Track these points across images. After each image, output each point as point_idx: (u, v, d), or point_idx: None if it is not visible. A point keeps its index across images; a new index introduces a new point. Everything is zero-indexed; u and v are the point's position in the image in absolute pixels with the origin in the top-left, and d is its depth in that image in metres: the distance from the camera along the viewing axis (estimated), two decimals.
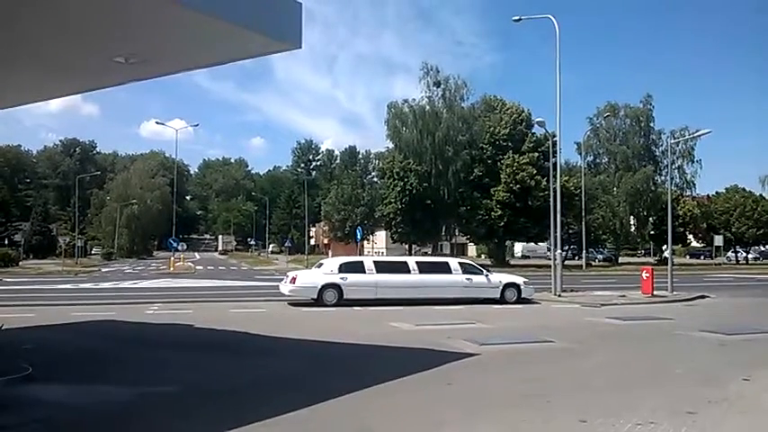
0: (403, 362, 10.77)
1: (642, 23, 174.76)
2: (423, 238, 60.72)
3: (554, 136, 32.64)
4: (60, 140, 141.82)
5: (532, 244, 70.38)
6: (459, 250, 73.46)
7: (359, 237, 46.15)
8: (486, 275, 21.99)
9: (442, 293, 20.81)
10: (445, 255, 57.09)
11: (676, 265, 34.82)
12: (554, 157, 33.42)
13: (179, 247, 55.60)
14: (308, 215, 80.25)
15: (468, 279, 21.34)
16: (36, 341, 12.61)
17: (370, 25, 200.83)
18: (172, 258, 53.46)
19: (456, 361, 10.65)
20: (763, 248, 79.52)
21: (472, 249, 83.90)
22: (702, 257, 77.37)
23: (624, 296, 23.58)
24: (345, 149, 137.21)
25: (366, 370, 10.17)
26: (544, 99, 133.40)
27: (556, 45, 27.05)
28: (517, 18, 31.11)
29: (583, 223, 55.49)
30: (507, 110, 60.31)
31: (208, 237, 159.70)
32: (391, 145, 60.73)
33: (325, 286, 20.03)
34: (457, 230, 64.04)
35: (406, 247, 63.33)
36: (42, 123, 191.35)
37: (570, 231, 58.31)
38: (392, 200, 57.14)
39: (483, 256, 70.01)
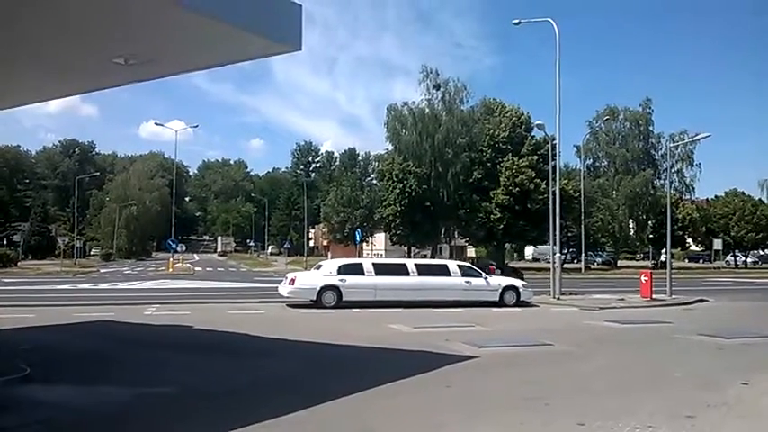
0: (402, 364, 10.76)
1: (641, 27, 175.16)
2: (422, 240, 60.67)
3: (553, 139, 32.64)
4: (59, 141, 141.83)
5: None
6: (459, 253, 73.38)
7: (358, 239, 46.11)
8: (485, 278, 21.99)
9: (440, 296, 20.80)
10: (445, 257, 57.12)
11: (675, 269, 34.86)
12: (553, 160, 33.41)
13: (178, 249, 55.63)
14: (308, 217, 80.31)
15: (467, 282, 21.34)
16: (34, 342, 12.60)
17: (369, 27, 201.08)
18: (171, 259, 53.43)
19: (455, 363, 10.65)
20: (762, 252, 79.60)
21: (471, 252, 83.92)
22: (701, 261, 77.42)
23: (623, 299, 23.61)
24: (345, 151, 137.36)
25: (365, 372, 10.16)
26: (544, 102, 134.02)
27: (555, 48, 27.15)
28: (517, 21, 31.15)
29: (582, 226, 55.54)
30: (507, 113, 60.33)
31: (207, 238, 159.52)
32: (391, 147, 60.72)
33: (324, 288, 20.02)
34: (456, 233, 63.99)
35: (406, 249, 63.31)
36: (41, 124, 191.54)
37: (569, 234, 58.38)
38: (391, 202, 57.13)
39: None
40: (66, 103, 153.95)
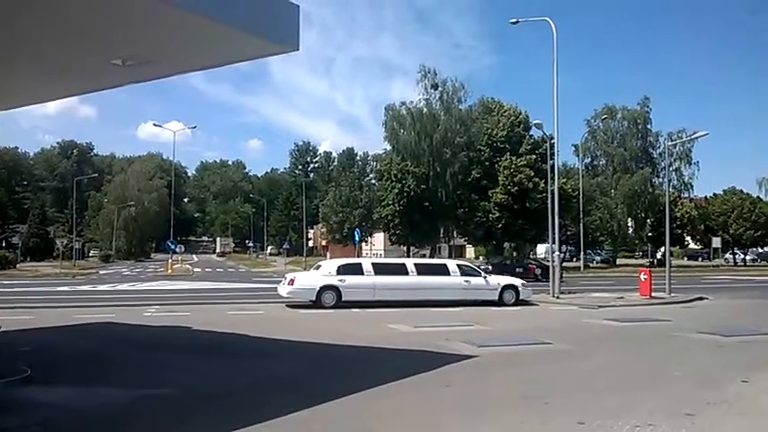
0: (402, 364, 10.76)
1: (639, 26, 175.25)
2: (421, 239, 60.74)
3: (552, 138, 32.66)
4: (57, 142, 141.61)
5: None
6: (458, 252, 73.43)
7: (357, 239, 46.11)
8: (485, 277, 22.00)
9: (440, 295, 20.81)
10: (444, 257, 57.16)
11: (674, 267, 34.88)
12: (552, 159, 33.46)
13: (177, 250, 55.58)
14: (306, 217, 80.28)
15: (466, 281, 21.35)
16: (34, 343, 12.59)
17: (367, 27, 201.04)
18: (170, 260, 53.42)
19: (455, 363, 10.66)
20: (760, 250, 79.60)
21: (470, 251, 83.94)
22: (700, 259, 77.44)
23: (622, 298, 23.62)
24: (343, 151, 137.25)
25: (365, 372, 10.16)
26: (542, 101, 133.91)
27: (553, 47, 27.15)
28: (514, 20, 31.13)
29: (581, 225, 55.56)
30: (505, 112, 60.38)
31: (205, 239, 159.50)
32: (389, 147, 60.80)
33: (324, 288, 20.02)
34: (455, 232, 64.07)
35: (405, 248, 63.34)
36: (39, 125, 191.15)
37: (568, 233, 58.40)
38: (390, 202, 57.16)
39: (481, 258, 70.04)
40: (63, 104, 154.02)
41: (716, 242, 62.90)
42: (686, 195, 67.67)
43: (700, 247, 77.67)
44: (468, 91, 59.42)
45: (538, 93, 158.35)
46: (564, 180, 52.19)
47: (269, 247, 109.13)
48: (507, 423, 7.14)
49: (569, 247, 63.18)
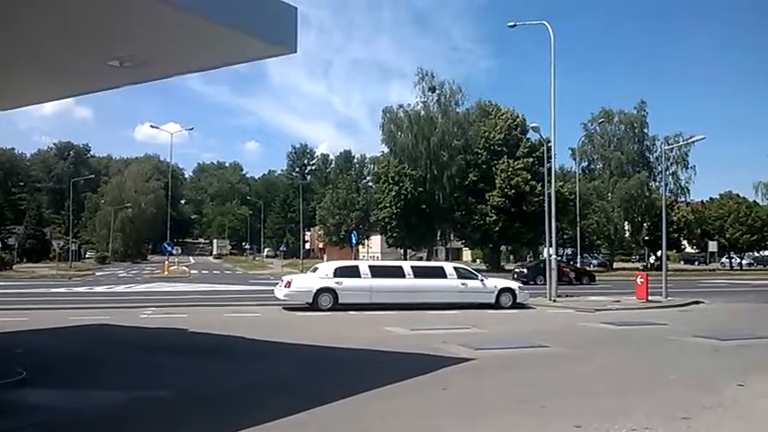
0: (398, 367, 10.74)
1: (636, 29, 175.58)
2: (418, 242, 60.76)
3: (548, 141, 32.71)
4: (54, 144, 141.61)
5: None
6: (455, 255, 73.46)
7: (354, 241, 46.24)
8: (482, 280, 21.99)
9: (437, 298, 20.81)
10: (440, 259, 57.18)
11: (670, 271, 34.91)
12: (549, 162, 33.46)
13: (173, 251, 55.47)
14: (303, 219, 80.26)
15: (463, 284, 21.34)
16: (30, 345, 12.56)
17: (365, 30, 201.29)
18: (166, 262, 53.31)
19: (451, 366, 10.64)
20: (757, 254, 79.81)
21: (467, 254, 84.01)
22: (697, 263, 77.63)
23: (618, 301, 23.65)
24: (340, 154, 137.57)
25: (362, 374, 10.14)
26: (539, 105, 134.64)
27: (551, 51, 27.16)
28: (512, 24, 31.17)
29: (577, 228, 55.65)
30: (502, 115, 60.48)
31: (202, 241, 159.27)
32: (386, 149, 60.83)
33: (321, 291, 20.01)
34: (452, 235, 64.11)
35: (401, 251, 63.35)
36: (36, 126, 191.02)
37: (565, 237, 58.49)
38: (387, 204, 57.18)
39: (478, 261, 70.08)
40: (60, 105, 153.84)
41: (712, 246, 63.05)
42: (683, 199, 67.90)
43: (696, 251, 77.87)
44: (466, 94, 59.63)
45: (535, 96, 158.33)
46: (561, 183, 52.30)
47: (266, 250, 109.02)
48: (504, 426, 7.13)
49: (566, 251, 63.26)
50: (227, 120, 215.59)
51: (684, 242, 72.49)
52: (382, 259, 62.24)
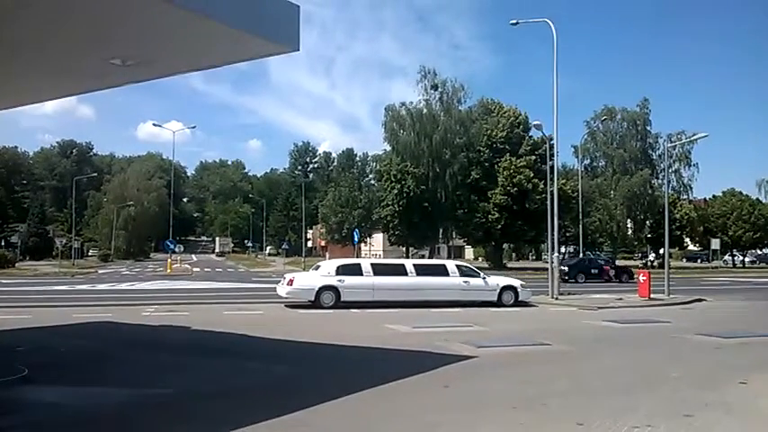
0: (400, 364, 10.76)
1: (639, 27, 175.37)
2: (420, 240, 60.74)
3: (551, 139, 32.64)
4: (57, 142, 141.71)
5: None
6: (457, 253, 73.44)
7: (356, 239, 46.11)
8: (484, 278, 21.97)
9: (439, 296, 20.79)
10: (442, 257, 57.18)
11: (673, 269, 34.88)
12: (551, 160, 33.41)
13: (176, 249, 55.52)
14: (306, 217, 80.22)
15: (465, 282, 21.32)
16: (32, 343, 12.60)
17: (367, 28, 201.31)
18: (169, 260, 53.34)
19: (453, 364, 10.64)
20: (759, 252, 79.72)
21: (469, 252, 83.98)
22: (699, 261, 77.57)
23: (621, 299, 23.62)
24: (343, 152, 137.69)
25: (363, 372, 10.16)
26: (541, 102, 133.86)
27: (553, 49, 27.12)
28: (514, 22, 31.11)
29: (580, 226, 55.52)
30: (504, 113, 60.39)
31: (205, 239, 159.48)
32: (389, 148, 60.82)
33: (323, 288, 20.01)
34: (454, 233, 64.08)
35: (404, 249, 63.34)
36: (38, 125, 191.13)
37: (567, 234, 58.43)
38: (389, 202, 57.16)
39: (480, 259, 70.07)
40: (63, 103, 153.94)
41: (715, 244, 63.01)
42: (685, 197, 67.83)
43: (699, 248, 77.84)
44: (468, 92, 59.58)
45: (537, 94, 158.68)
46: (563, 181, 52.23)
47: (268, 248, 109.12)
48: (506, 424, 7.13)
49: (569, 249, 63.24)
50: (230, 118, 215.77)
51: (687, 240, 72.47)
52: (384, 257, 62.24)
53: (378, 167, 66.57)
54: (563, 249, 54.24)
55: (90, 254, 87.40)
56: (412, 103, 58.60)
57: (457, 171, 55.83)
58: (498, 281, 22.59)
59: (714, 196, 76.82)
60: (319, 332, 14.56)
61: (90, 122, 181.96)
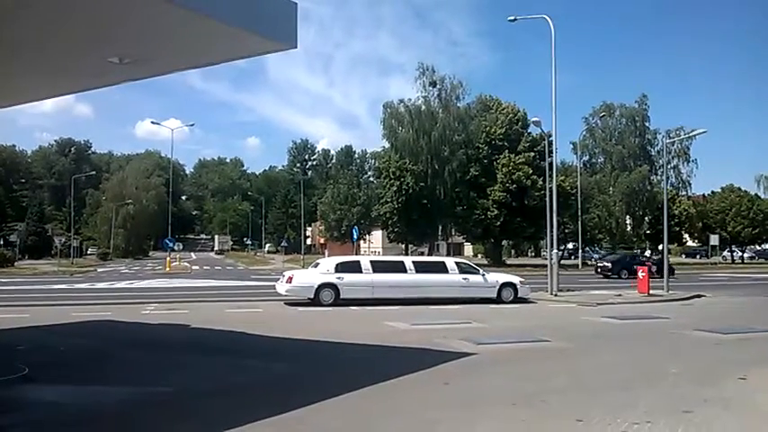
0: (399, 361, 10.77)
1: (637, 23, 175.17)
2: (419, 237, 60.71)
3: (550, 136, 32.64)
4: (55, 140, 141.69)
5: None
6: (456, 250, 73.46)
7: (355, 236, 46.14)
8: (483, 275, 21.97)
9: (438, 293, 20.80)
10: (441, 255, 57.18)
11: (672, 265, 34.87)
12: (550, 156, 33.42)
13: (175, 247, 55.49)
14: (305, 215, 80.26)
15: (464, 279, 21.33)
16: (32, 342, 12.60)
17: (365, 25, 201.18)
18: (168, 258, 53.32)
19: (453, 360, 10.65)
20: (758, 248, 79.76)
21: (469, 249, 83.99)
22: (698, 257, 77.62)
23: (620, 295, 23.64)
24: (341, 149, 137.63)
25: (363, 370, 10.16)
26: (540, 99, 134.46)
27: (551, 45, 27.12)
28: (512, 18, 31.10)
29: (579, 223, 55.59)
30: (503, 110, 60.32)
31: (204, 237, 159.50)
32: (387, 145, 60.74)
33: (322, 286, 20.01)
34: (453, 230, 64.06)
35: (403, 246, 63.33)
36: (36, 123, 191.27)
37: (566, 231, 58.42)
38: (388, 199, 57.11)
39: (479, 256, 70.07)
40: (61, 102, 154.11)
41: (714, 240, 63.04)
42: (684, 193, 67.90)
43: (698, 244, 77.85)
44: (467, 89, 59.42)
45: (536, 90, 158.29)
46: (562, 178, 52.24)
47: (267, 245, 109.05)
48: (505, 420, 7.14)
49: (568, 245, 63.28)
50: (228, 115, 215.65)
51: (686, 236, 72.45)
52: (383, 254, 62.22)
53: (376, 164, 66.54)
54: (562, 246, 54.12)
55: (89, 252, 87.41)
56: (410, 100, 58.58)
57: (456, 168, 55.78)
58: (497, 278, 22.60)
59: (713, 192, 76.85)
60: (319, 330, 14.57)
61: (88, 121, 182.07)
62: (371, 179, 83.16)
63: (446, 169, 55.46)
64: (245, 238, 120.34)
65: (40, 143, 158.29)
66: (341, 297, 19.98)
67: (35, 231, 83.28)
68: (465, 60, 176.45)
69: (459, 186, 56.43)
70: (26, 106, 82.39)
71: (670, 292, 24.88)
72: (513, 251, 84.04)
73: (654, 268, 38.54)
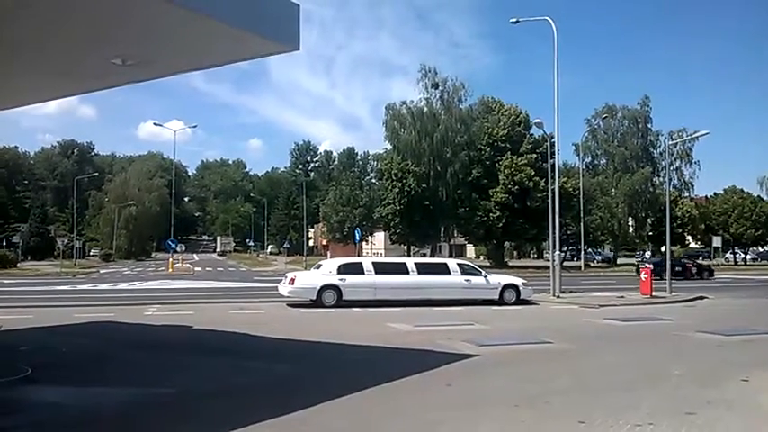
0: (402, 363, 10.77)
1: (640, 24, 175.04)
2: (421, 239, 60.69)
3: (552, 137, 32.66)
4: (58, 142, 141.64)
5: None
6: (458, 251, 73.40)
7: (357, 238, 46.08)
8: (485, 276, 21.97)
9: (440, 294, 20.79)
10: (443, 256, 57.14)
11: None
12: (552, 158, 33.44)
13: (177, 249, 55.55)
14: (307, 216, 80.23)
15: (466, 280, 21.33)
16: (35, 343, 12.61)
17: (367, 27, 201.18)
18: (170, 260, 53.40)
19: (455, 362, 10.65)
20: (761, 249, 79.66)
21: (471, 251, 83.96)
22: (701, 258, 77.42)
23: (623, 297, 23.61)
24: (343, 151, 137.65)
25: (365, 371, 10.16)
26: (542, 100, 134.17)
27: (554, 47, 27.11)
28: (515, 20, 31.12)
29: (581, 224, 55.54)
30: (505, 111, 60.32)
31: (206, 238, 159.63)
32: (389, 146, 60.72)
33: (324, 287, 20.02)
34: (455, 232, 64.03)
35: (405, 248, 63.31)
36: (39, 125, 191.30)
37: (569, 232, 58.36)
38: (390, 201, 57.11)
39: (482, 257, 70.03)
40: (64, 104, 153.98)
41: (716, 241, 62.95)
42: (687, 195, 67.85)
43: (700, 246, 77.73)
44: (469, 90, 59.37)
45: (538, 92, 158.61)
46: (564, 179, 52.21)
47: (269, 247, 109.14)
48: (508, 422, 7.14)
49: (570, 247, 63.22)
50: (231, 117, 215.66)
51: (688, 237, 72.39)
52: (386, 256, 62.18)
53: (379, 166, 66.46)
54: (564, 247, 54.08)
55: (91, 254, 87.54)
56: (412, 101, 58.55)
57: (458, 169, 55.76)
58: (500, 279, 22.61)
59: (715, 194, 76.84)
60: (321, 331, 14.57)
61: (91, 122, 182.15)
62: (374, 181, 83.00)
63: (448, 171, 55.46)
64: (247, 240, 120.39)
65: (42, 145, 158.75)
66: (343, 298, 19.98)
67: (38, 233, 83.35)
68: (467, 62, 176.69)
69: (462, 188, 56.42)
70: (29, 108, 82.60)
71: (672, 293, 24.86)
72: (515, 253, 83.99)
73: (694, 269, 39.36)
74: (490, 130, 58.41)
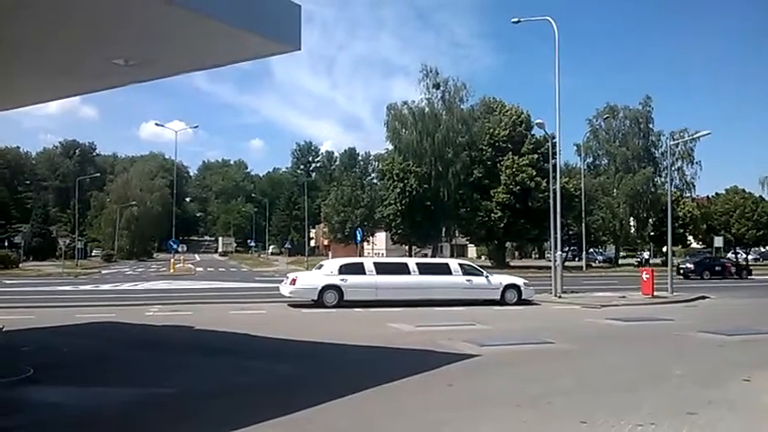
0: (403, 363, 10.77)
1: (641, 24, 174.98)
2: (423, 239, 60.69)
3: (553, 137, 32.67)
4: (60, 142, 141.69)
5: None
6: (460, 252, 73.40)
7: (359, 238, 46.08)
8: (487, 277, 21.97)
9: (442, 295, 20.79)
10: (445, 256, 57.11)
11: (676, 266, 34.85)
12: (554, 158, 33.41)
13: (179, 249, 55.59)
14: (308, 217, 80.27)
15: (468, 280, 21.33)
16: (37, 343, 12.62)
17: (368, 27, 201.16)
18: (172, 260, 53.46)
19: (456, 362, 10.65)
20: (763, 249, 79.55)
21: (472, 251, 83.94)
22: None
23: (624, 297, 23.59)
24: (345, 151, 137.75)
25: (367, 371, 10.17)
26: (543, 101, 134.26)
27: (555, 47, 27.09)
28: (516, 20, 31.12)
29: (583, 225, 55.52)
30: (507, 111, 60.31)
31: (207, 238, 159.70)
32: (391, 147, 60.74)
33: (326, 287, 20.02)
34: (457, 232, 64.02)
35: (406, 248, 63.30)
36: (41, 125, 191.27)
37: (570, 233, 58.35)
38: (392, 201, 57.12)
39: (483, 258, 70.02)
40: (65, 104, 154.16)
41: (718, 242, 62.68)
42: (688, 195, 67.76)
43: (702, 246, 77.59)
44: (470, 90, 59.36)
45: (539, 92, 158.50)
46: (566, 179, 52.19)
47: (271, 247, 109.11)
48: (509, 422, 7.14)
49: (571, 247, 63.22)
50: (232, 117, 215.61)
51: (690, 237, 72.30)
52: (387, 256, 62.21)
53: (380, 166, 66.44)
54: (565, 248, 54.10)
55: (93, 254, 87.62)
56: (414, 101, 58.57)
57: (459, 170, 55.75)
58: (501, 279, 22.61)
59: (717, 194, 76.70)
60: (322, 331, 14.58)
61: (92, 122, 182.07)
62: (375, 181, 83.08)
63: (450, 171, 55.45)
64: (248, 240, 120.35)
65: (44, 145, 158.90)
66: (344, 299, 19.99)
67: (40, 233, 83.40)
68: (468, 62, 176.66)
69: (463, 188, 56.40)
70: (31, 108, 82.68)
71: (674, 293, 24.83)
72: (516, 253, 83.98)
73: (733, 269, 39.79)
74: (491, 130, 58.40)
